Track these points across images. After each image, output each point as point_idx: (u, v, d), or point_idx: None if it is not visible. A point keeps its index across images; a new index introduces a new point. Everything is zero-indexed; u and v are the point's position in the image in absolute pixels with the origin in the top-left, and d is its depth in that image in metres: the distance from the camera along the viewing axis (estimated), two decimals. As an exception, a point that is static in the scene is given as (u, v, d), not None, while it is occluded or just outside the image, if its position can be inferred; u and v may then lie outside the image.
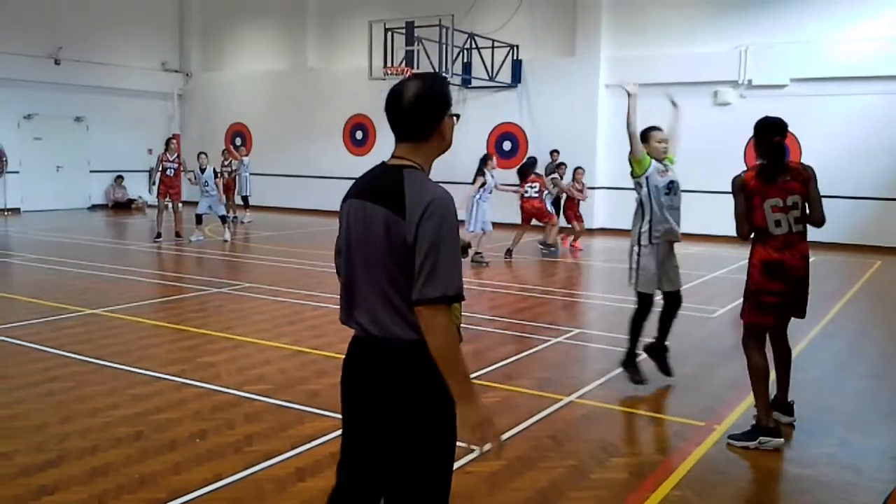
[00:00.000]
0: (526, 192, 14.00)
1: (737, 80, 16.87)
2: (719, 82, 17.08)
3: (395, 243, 2.45)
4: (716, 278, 12.11)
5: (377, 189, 2.54)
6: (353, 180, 2.73)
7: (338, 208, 2.77)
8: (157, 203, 15.99)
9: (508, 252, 13.53)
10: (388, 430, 2.55)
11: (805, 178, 5.03)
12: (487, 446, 2.53)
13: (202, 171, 15.48)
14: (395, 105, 2.57)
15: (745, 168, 5.24)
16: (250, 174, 19.33)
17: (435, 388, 2.46)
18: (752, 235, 5.11)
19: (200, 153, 16.00)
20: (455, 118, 2.63)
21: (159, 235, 15.24)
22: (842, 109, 15.99)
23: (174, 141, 16.36)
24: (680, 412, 5.72)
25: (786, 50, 16.23)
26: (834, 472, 4.71)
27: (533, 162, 14.93)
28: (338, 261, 2.73)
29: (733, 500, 4.38)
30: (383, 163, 2.62)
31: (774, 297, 5.02)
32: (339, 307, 2.70)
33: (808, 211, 5.04)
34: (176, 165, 15.58)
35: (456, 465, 4.48)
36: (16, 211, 20.63)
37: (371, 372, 2.57)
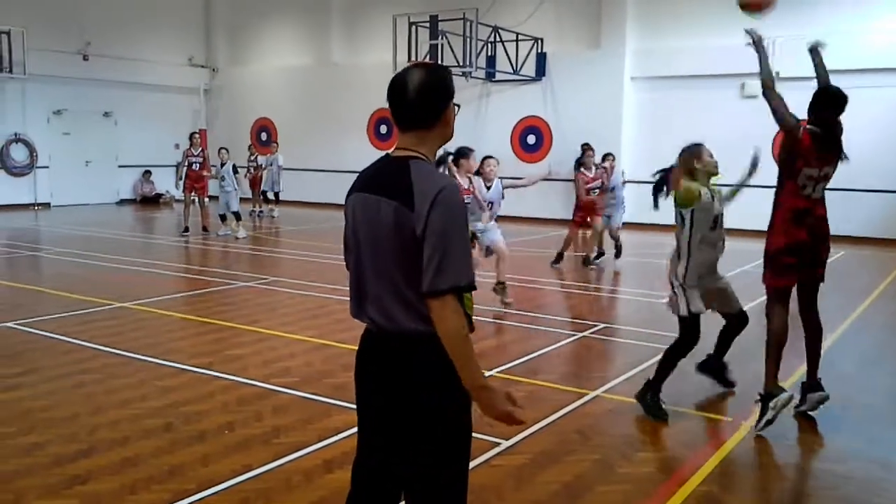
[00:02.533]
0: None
1: (765, 71, 16.66)
2: (747, 74, 16.80)
3: (405, 236, 2.41)
4: (743, 273, 11.98)
5: (385, 182, 2.49)
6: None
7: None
8: (183, 198, 16.14)
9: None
10: (407, 424, 2.52)
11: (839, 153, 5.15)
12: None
13: (222, 165, 15.61)
14: (401, 94, 2.51)
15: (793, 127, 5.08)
16: (282, 169, 19.36)
17: (450, 378, 2.44)
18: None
19: (221, 148, 16.12)
20: (456, 108, 2.59)
21: (187, 230, 15.39)
22: (872, 101, 15.71)
23: (198, 136, 16.50)
24: (707, 407, 5.68)
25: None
26: (862, 467, 4.66)
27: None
28: (347, 256, 2.69)
29: (761, 495, 4.35)
30: (387, 155, 2.57)
31: (793, 257, 5.05)
32: (349, 301, 2.68)
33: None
34: (201, 160, 15.72)
35: (482, 458, 4.52)
36: (45, 205, 20.93)
37: (388, 366, 2.54)
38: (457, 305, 2.40)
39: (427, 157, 2.53)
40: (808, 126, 5.08)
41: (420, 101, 2.50)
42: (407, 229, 2.40)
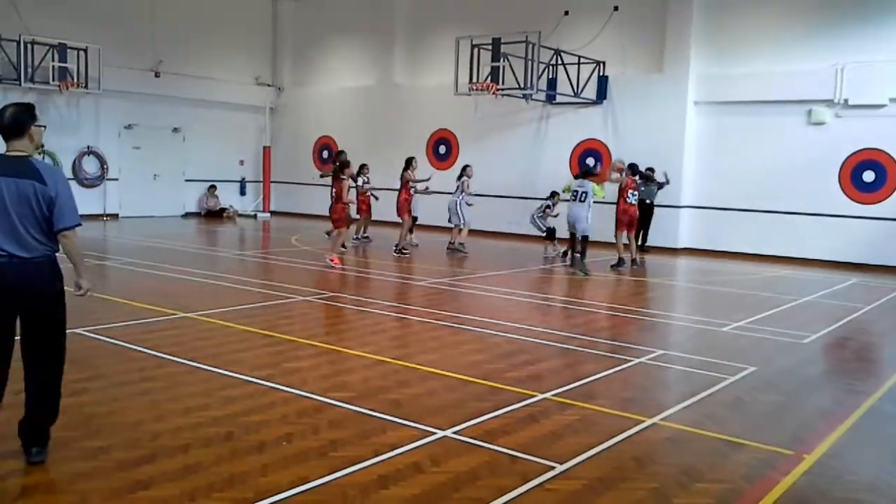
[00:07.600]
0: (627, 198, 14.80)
1: (832, 98, 16.31)
2: (814, 101, 16.55)
3: (41, 201, 4.33)
4: (808, 303, 11.72)
5: (21, 170, 4.33)
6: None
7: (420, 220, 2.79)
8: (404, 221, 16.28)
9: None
10: (48, 314, 4.50)
11: None
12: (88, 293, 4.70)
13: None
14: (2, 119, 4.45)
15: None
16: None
17: (60, 277, 4.56)
18: None
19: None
20: (42, 128, 4.12)
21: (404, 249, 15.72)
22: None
23: (415, 161, 17.03)
24: (768, 439, 5.55)
25: (885, 68, 15.65)
26: (933, 509, 4.50)
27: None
28: None
29: (823, 532, 4.23)
30: (6, 155, 4.41)
31: None
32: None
33: None
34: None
35: (536, 481, 4.51)
36: (114, 216, 21.61)
37: (28, 280, 4.37)
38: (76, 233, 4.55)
39: (31, 154, 4.46)
40: None
41: (12, 124, 4.43)
42: (44, 197, 4.33)
